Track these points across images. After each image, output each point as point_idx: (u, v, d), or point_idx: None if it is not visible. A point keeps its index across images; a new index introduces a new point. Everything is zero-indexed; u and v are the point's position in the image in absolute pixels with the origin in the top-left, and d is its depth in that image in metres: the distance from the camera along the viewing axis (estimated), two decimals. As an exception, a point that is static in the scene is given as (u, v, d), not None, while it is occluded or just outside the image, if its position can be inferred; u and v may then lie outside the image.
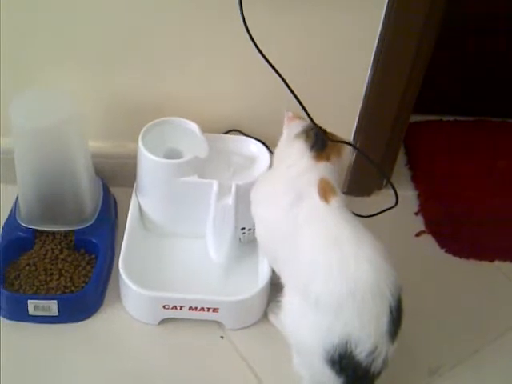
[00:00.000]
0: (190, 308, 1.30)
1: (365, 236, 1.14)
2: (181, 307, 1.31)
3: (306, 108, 1.23)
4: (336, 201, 1.17)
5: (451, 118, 1.94)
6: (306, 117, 1.25)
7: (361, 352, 1.07)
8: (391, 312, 1.08)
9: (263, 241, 1.28)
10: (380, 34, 1.40)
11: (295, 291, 1.17)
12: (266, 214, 1.24)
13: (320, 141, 1.22)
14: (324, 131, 1.24)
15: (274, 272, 1.30)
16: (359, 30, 1.40)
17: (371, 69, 1.46)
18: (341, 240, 1.12)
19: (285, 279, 1.21)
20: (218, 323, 1.34)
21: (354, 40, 1.41)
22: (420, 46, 1.41)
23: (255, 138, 1.48)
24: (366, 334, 1.07)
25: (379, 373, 1.11)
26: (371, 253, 1.11)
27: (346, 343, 1.07)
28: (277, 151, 1.30)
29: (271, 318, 1.36)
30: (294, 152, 1.23)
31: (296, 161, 1.22)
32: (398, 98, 1.49)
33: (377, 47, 1.42)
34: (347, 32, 1.39)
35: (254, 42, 1.19)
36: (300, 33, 1.39)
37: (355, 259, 1.09)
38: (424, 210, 1.67)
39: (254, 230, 1.37)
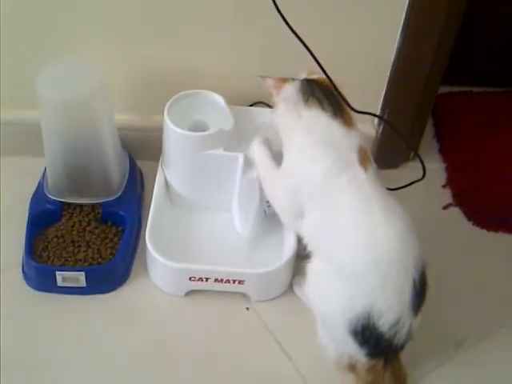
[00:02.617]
0: (216, 280, 1.31)
1: (396, 208, 1.14)
2: (207, 279, 1.32)
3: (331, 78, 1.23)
4: (372, 171, 1.16)
5: (481, 90, 1.90)
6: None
7: (383, 324, 1.07)
8: (415, 285, 1.08)
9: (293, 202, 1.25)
10: (409, 3, 1.37)
11: (320, 257, 1.17)
12: (303, 177, 1.21)
13: (337, 106, 1.21)
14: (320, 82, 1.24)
15: (299, 244, 1.30)
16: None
17: (399, 38, 1.43)
18: (374, 209, 1.12)
19: (310, 243, 1.21)
20: (243, 295, 1.35)
21: (382, 7, 1.38)
22: (449, 16, 1.38)
23: (281, 110, 1.46)
24: (388, 306, 1.07)
25: (402, 345, 1.11)
26: (401, 226, 1.11)
27: (369, 314, 1.07)
28: (284, 122, 1.26)
29: (296, 290, 1.36)
30: (314, 123, 1.21)
31: (325, 130, 1.20)
32: (427, 69, 1.46)
33: (405, 16, 1.40)
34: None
35: (279, 11, 1.18)
36: (326, 2, 1.37)
37: (385, 230, 1.10)
38: (452, 182, 1.65)
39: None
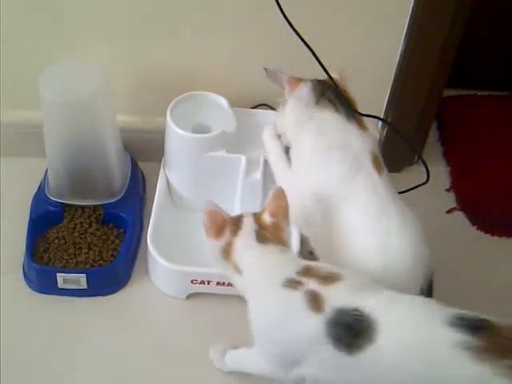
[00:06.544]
0: (218, 283, 1.31)
1: (410, 215, 1.13)
2: (208, 282, 1.31)
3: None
4: (385, 175, 1.16)
5: (485, 93, 1.90)
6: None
7: None
8: (422, 293, 1.08)
9: (303, 207, 1.23)
10: (415, 2, 1.37)
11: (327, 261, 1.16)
12: (312, 183, 1.20)
13: (349, 108, 1.20)
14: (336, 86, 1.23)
15: (302, 248, 1.29)
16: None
17: (404, 41, 1.43)
18: (390, 215, 1.11)
19: (318, 247, 1.20)
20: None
21: (387, 8, 1.38)
22: (454, 19, 1.38)
23: (284, 113, 1.46)
24: None
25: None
26: (414, 233, 1.11)
27: None
28: (293, 122, 1.24)
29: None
30: (326, 124, 1.20)
31: (339, 133, 1.19)
32: (432, 72, 1.46)
33: (410, 19, 1.39)
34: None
35: (283, 13, 1.17)
36: (330, 1, 1.37)
37: (399, 237, 1.09)
38: (456, 186, 1.65)
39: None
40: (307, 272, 1.01)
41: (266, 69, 1.27)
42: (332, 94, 1.22)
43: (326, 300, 0.97)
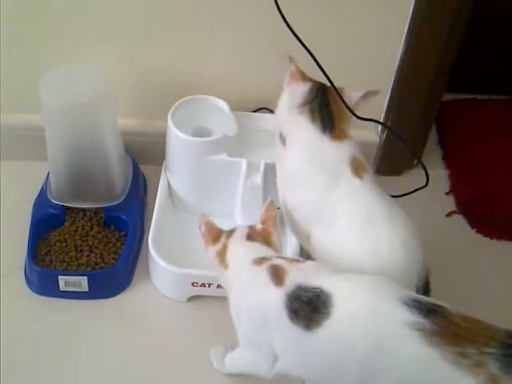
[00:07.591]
0: (219, 286, 1.31)
1: (399, 214, 1.13)
2: (209, 285, 1.31)
3: (335, 83, 1.22)
4: (369, 178, 1.16)
5: (485, 97, 1.90)
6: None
7: None
8: (418, 291, 1.08)
9: (296, 221, 1.25)
10: (414, 6, 1.38)
11: None
12: (300, 197, 1.21)
13: (328, 121, 1.21)
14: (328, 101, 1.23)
15: (302, 251, 1.29)
16: (392, 1, 1.38)
17: (404, 44, 1.43)
18: (376, 217, 1.12)
19: (316, 256, 1.20)
20: (245, 301, 1.34)
21: (387, 11, 1.38)
22: (454, 23, 1.38)
23: (284, 116, 1.46)
24: None
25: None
26: (404, 232, 1.11)
27: None
28: (282, 115, 1.26)
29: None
30: (304, 131, 1.21)
31: (314, 143, 1.20)
32: (431, 76, 1.46)
33: (410, 22, 1.40)
34: (380, 2, 1.37)
35: (283, 17, 1.18)
36: (329, 5, 1.37)
37: (389, 238, 1.10)
38: (455, 190, 1.65)
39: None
40: (279, 256, 1.10)
41: (280, 51, 1.25)
42: (317, 105, 1.22)
43: (287, 273, 1.03)
